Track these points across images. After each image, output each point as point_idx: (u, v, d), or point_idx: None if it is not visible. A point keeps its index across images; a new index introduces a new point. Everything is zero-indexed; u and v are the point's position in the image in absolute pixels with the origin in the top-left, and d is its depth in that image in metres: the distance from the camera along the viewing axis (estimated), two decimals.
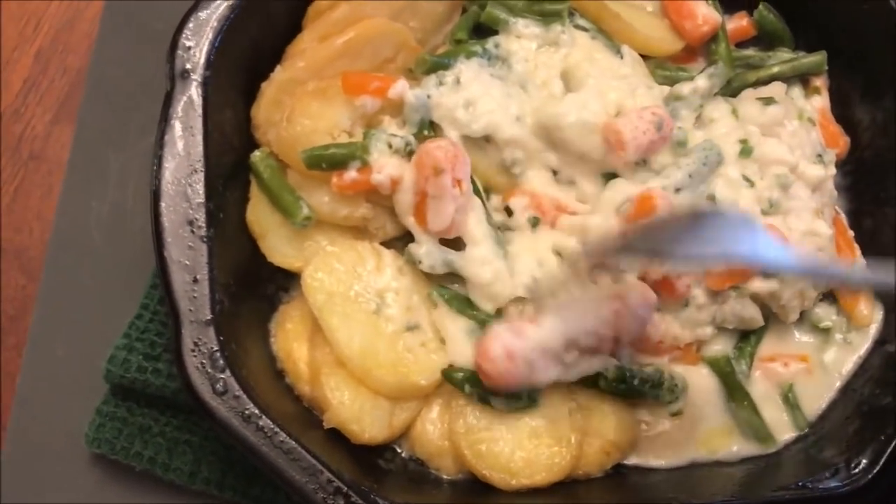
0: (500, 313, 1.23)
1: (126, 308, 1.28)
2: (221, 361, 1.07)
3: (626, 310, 1.15)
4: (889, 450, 1.10)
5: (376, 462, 1.19)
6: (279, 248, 1.22)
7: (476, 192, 1.25)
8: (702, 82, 1.30)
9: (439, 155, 1.19)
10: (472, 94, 1.25)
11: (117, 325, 1.27)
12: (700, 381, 1.27)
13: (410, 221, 1.22)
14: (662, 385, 1.23)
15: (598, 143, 1.23)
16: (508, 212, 1.27)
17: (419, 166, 1.20)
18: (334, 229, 1.24)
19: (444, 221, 1.20)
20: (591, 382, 1.21)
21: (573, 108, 1.22)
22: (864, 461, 1.10)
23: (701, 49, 1.38)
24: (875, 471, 1.09)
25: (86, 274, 1.34)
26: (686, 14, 1.34)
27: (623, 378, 1.20)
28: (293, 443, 1.05)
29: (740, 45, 1.40)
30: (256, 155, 1.23)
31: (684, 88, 1.30)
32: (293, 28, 1.28)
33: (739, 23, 1.40)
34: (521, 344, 1.14)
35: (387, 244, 1.26)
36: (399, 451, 1.22)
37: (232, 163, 1.21)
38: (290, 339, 1.21)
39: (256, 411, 1.06)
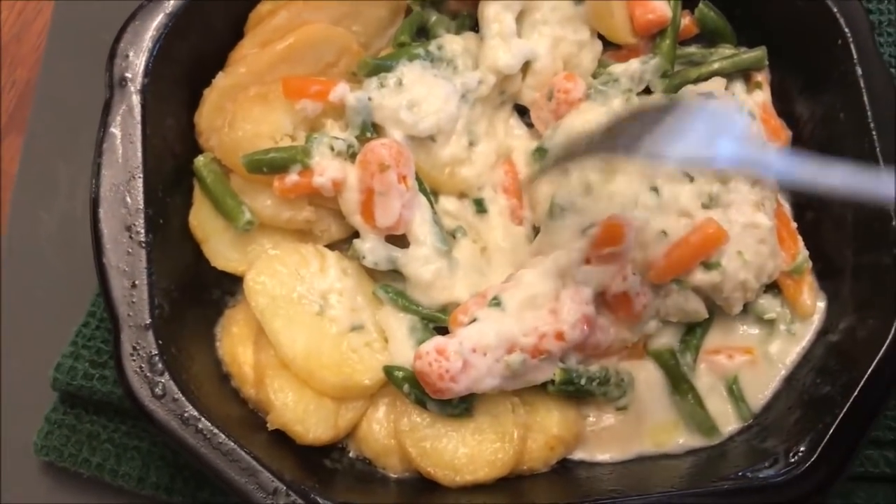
0: (445, 311, 1.24)
1: (76, 317, 1.29)
2: (160, 365, 1.07)
3: (560, 305, 1.17)
4: (826, 438, 1.10)
5: (322, 462, 1.19)
6: (222, 252, 1.23)
7: (422, 191, 1.27)
8: (634, 66, 1.32)
9: (383, 152, 1.20)
10: (416, 95, 1.27)
11: (67, 333, 1.28)
12: (646, 375, 1.28)
13: (357, 220, 1.23)
14: (609, 382, 1.24)
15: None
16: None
17: (364, 164, 1.21)
18: (278, 232, 1.25)
19: (391, 217, 1.21)
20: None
21: (521, 57, 1.29)
22: (802, 450, 1.11)
23: (646, 47, 1.39)
24: (812, 459, 1.09)
25: (36, 284, 1.35)
26: (641, 2, 1.36)
27: (570, 380, 1.20)
28: (232, 444, 1.06)
29: (683, 42, 1.41)
30: (200, 160, 1.24)
31: (616, 69, 1.32)
32: (234, 35, 1.29)
33: (682, 21, 1.41)
34: (452, 342, 1.15)
35: (332, 246, 1.27)
36: (347, 450, 1.23)
37: (174, 169, 1.22)
38: (235, 342, 1.22)
39: (195, 414, 1.06)
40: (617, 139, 1.06)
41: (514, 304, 1.18)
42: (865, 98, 1.24)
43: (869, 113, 1.23)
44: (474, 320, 1.18)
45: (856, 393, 1.12)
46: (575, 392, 1.22)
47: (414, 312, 1.22)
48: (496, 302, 1.19)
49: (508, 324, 1.16)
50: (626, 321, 1.25)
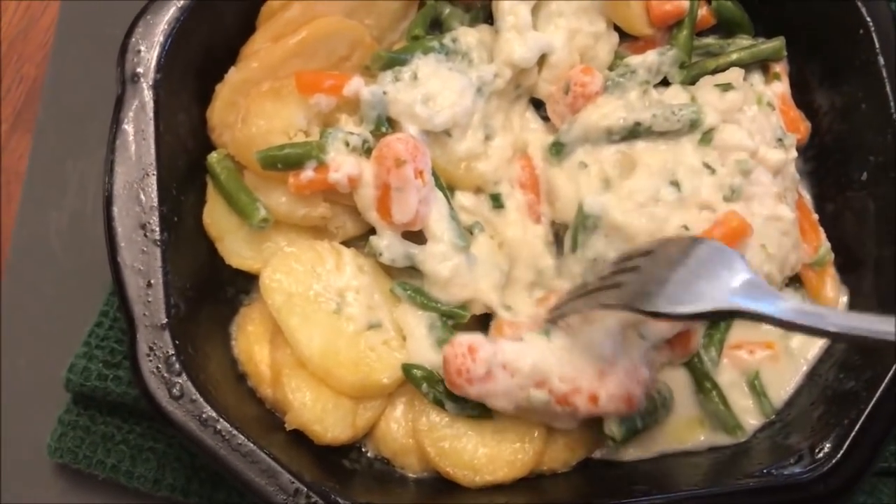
0: (464, 307, 1.22)
1: (87, 316, 1.28)
2: (177, 365, 1.06)
3: (611, 371, 1.13)
4: (852, 435, 1.09)
5: (341, 462, 1.18)
6: (237, 250, 1.21)
7: (439, 186, 1.25)
8: (651, 57, 1.31)
9: (400, 147, 1.18)
10: (431, 89, 1.25)
11: (79, 333, 1.26)
12: (670, 373, 1.26)
13: (374, 216, 1.21)
14: (657, 407, 1.21)
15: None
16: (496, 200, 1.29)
17: (380, 160, 1.19)
18: (293, 230, 1.23)
19: (408, 213, 1.19)
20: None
21: (537, 50, 1.27)
22: (828, 446, 1.09)
23: (663, 38, 1.37)
24: (838, 456, 1.08)
25: (47, 283, 1.33)
26: None
27: (631, 430, 1.18)
28: (252, 445, 1.04)
29: (700, 33, 1.39)
30: (213, 156, 1.23)
31: (633, 60, 1.31)
32: (246, 29, 1.27)
33: (699, 12, 1.39)
34: (488, 346, 1.13)
35: (348, 243, 1.25)
36: (365, 450, 1.22)
37: (186, 166, 1.20)
38: (250, 341, 1.20)
39: (214, 414, 1.05)
40: (626, 286, 1.06)
41: (564, 342, 1.15)
42: (888, 89, 1.22)
43: (892, 104, 1.22)
44: (519, 339, 1.15)
45: (881, 388, 1.11)
46: (636, 434, 1.19)
47: (433, 309, 1.21)
48: (546, 332, 1.16)
49: (550, 360, 1.13)
50: (680, 356, 1.24)
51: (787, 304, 0.95)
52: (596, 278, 1.15)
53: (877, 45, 1.23)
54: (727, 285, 0.99)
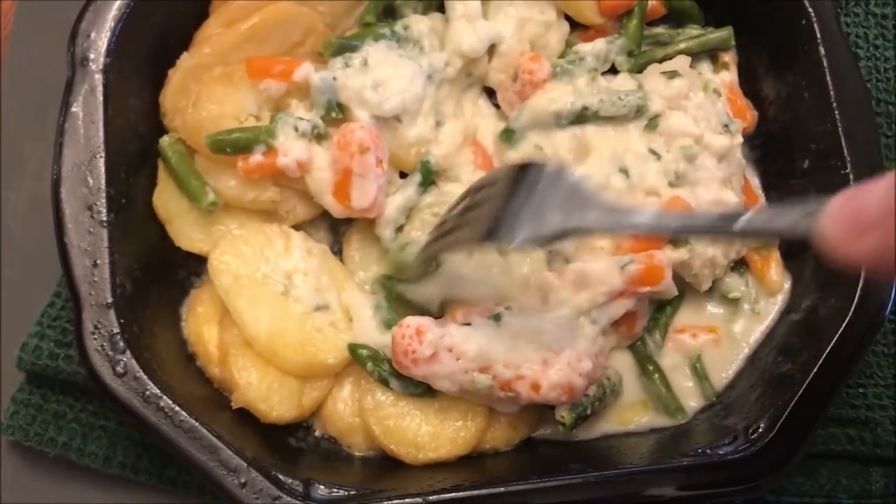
0: None
1: (42, 297, 1.29)
2: (122, 344, 1.08)
3: (556, 361, 1.15)
4: (784, 416, 1.11)
5: (287, 441, 1.20)
6: (187, 232, 1.23)
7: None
8: (599, 45, 1.33)
9: (363, 135, 1.20)
10: (381, 75, 1.26)
11: (34, 313, 1.28)
12: (616, 357, 1.28)
13: (328, 200, 1.23)
14: (607, 393, 1.23)
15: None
16: None
17: (344, 145, 1.21)
18: (244, 213, 1.25)
19: (367, 199, 1.21)
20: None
21: (486, 40, 1.29)
22: (761, 427, 1.12)
23: (614, 27, 1.39)
24: (770, 436, 1.10)
25: (3, 264, 1.34)
26: None
27: (579, 416, 1.19)
28: (194, 422, 1.06)
29: (651, 23, 1.42)
30: (165, 140, 1.24)
31: (582, 48, 1.33)
32: (200, 14, 1.29)
33: (649, 2, 1.41)
34: (436, 329, 1.15)
35: (297, 227, 1.27)
36: (312, 429, 1.24)
37: (138, 149, 1.22)
38: (200, 322, 1.22)
39: (157, 392, 1.07)
40: (477, 223, 1.09)
41: (513, 329, 1.16)
42: (829, 78, 1.24)
43: (832, 93, 1.24)
44: (468, 323, 1.17)
45: (815, 371, 1.13)
46: (585, 420, 1.20)
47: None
48: (497, 317, 1.17)
49: (496, 346, 1.14)
50: (627, 337, 1.26)
51: (596, 215, 1.02)
52: (452, 215, 1.16)
53: (818, 36, 1.25)
54: (564, 204, 1.04)
